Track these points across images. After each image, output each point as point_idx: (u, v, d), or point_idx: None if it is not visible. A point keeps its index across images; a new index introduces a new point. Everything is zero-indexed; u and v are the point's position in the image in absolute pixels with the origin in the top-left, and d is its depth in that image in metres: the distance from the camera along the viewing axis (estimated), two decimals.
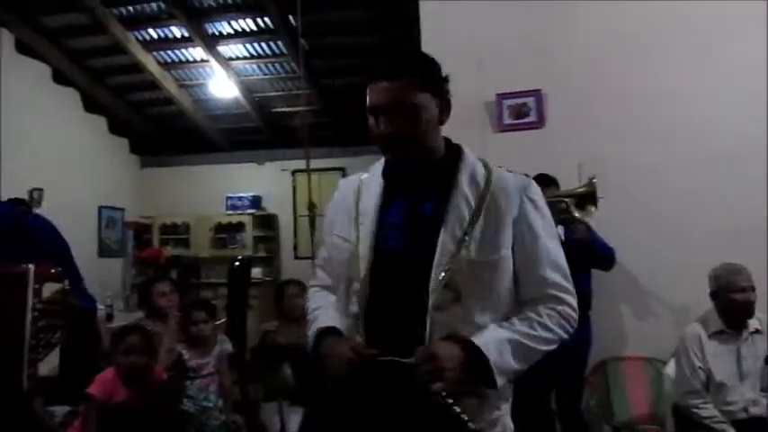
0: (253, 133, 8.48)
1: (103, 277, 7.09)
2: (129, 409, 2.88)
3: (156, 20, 6.60)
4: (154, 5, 6.38)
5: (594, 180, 3.23)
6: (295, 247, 8.48)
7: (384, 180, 1.59)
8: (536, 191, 1.55)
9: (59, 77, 7.12)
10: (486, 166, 1.59)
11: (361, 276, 1.50)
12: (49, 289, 1.65)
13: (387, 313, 1.49)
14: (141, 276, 7.62)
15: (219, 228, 8.41)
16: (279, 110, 8.00)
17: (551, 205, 1.72)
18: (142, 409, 2.90)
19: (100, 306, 4.60)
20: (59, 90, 7.15)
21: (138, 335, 3.01)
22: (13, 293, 1.61)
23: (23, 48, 6.57)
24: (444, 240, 1.47)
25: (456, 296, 1.45)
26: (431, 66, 1.57)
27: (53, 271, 1.68)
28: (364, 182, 1.64)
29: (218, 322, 3.74)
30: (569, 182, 3.45)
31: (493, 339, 1.43)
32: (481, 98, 4.06)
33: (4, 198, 5.30)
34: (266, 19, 6.43)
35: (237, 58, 7.14)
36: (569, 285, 1.53)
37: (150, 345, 3.03)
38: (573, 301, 1.52)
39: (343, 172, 7.56)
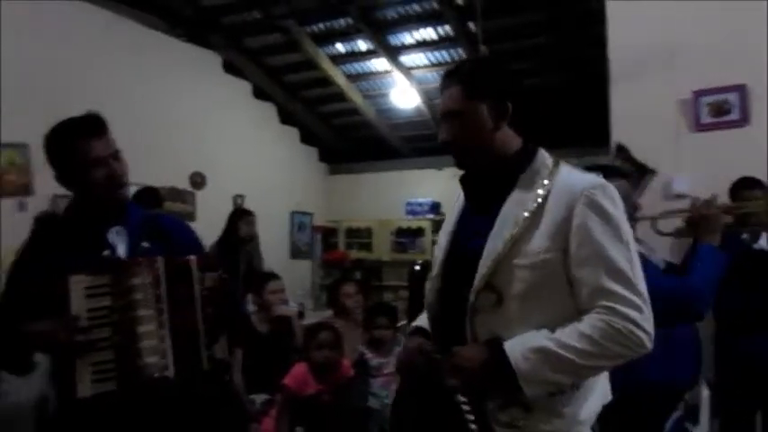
0: (432, 140, 8.58)
1: (295, 277, 7.57)
2: (318, 402, 3.06)
3: (345, 35, 6.96)
4: (342, 21, 6.74)
5: None
6: None
7: (462, 186, 1.63)
8: (602, 193, 1.43)
9: (259, 93, 7.76)
10: (555, 166, 1.51)
11: (433, 277, 1.60)
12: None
13: (445, 314, 1.55)
14: (328, 278, 8.06)
15: (400, 232, 8.62)
16: None
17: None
18: (331, 402, 3.06)
19: (292, 304, 4.96)
20: (259, 105, 7.80)
21: (329, 331, 3.19)
22: (183, 282, 1.78)
23: (228, 67, 7.26)
24: (491, 242, 1.45)
25: (498, 298, 1.41)
26: (475, 73, 1.55)
27: (209, 261, 1.85)
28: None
29: (398, 324, 3.86)
30: None
31: (523, 345, 1.36)
32: (674, 96, 3.79)
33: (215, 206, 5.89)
34: (446, 27, 6.52)
35: (418, 67, 7.31)
36: (635, 297, 1.37)
37: (339, 342, 3.20)
38: (635, 314, 1.35)
39: None
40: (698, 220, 2.32)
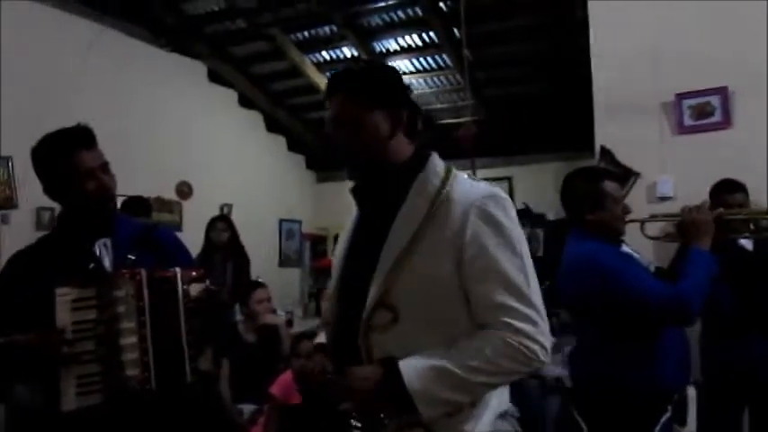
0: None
1: (284, 286, 7.55)
2: (303, 411, 3.05)
3: (329, 42, 6.96)
4: (327, 29, 6.75)
5: None
6: None
7: (355, 197, 1.61)
8: (495, 203, 1.38)
9: (245, 101, 7.75)
10: (447, 175, 1.44)
11: (329, 294, 1.57)
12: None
13: (341, 332, 1.50)
14: (317, 285, 8.03)
15: None
16: (444, 121, 8.09)
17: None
18: (315, 412, 3.05)
19: (281, 312, 4.95)
20: (245, 113, 7.78)
21: (311, 341, 3.18)
22: (166, 295, 1.78)
23: (213, 76, 7.24)
24: (384, 259, 1.38)
25: (394, 317, 1.36)
26: (364, 80, 1.48)
27: (195, 273, 1.84)
28: None
29: None
30: (760, 188, 3.15)
31: (419, 365, 1.31)
32: (658, 99, 3.83)
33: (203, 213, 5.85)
34: (431, 33, 6.55)
35: (404, 74, 7.32)
36: (529, 311, 1.33)
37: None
38: (530, 328, 1.31)
39: (509, 181, 7.46)
40: (689, 224, 2.34)
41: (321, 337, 1.67)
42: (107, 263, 1.82)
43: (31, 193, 1.91)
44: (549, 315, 1.40)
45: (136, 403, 1.71)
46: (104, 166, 1.84)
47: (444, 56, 6.84)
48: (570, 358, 2.61)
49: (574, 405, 2.43)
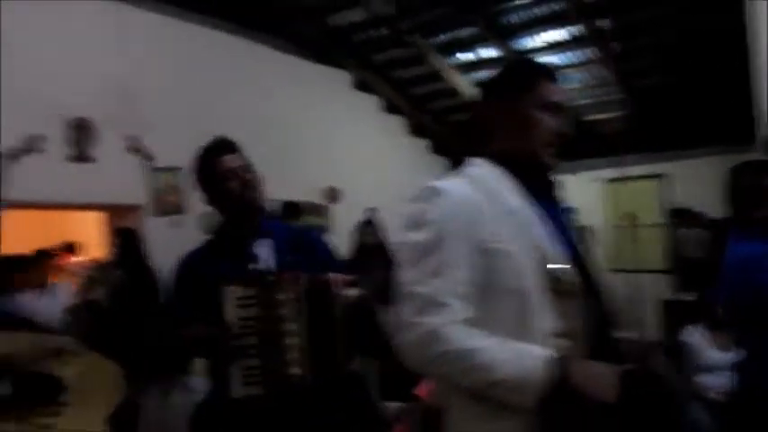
0: (568, 144, 8.36)
1: None
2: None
3: (470, 44, 6.96)
4: (468, 31, 6.75)
5: None
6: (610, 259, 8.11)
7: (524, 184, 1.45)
8: None
9: (388, 107, 7.94)
10: None
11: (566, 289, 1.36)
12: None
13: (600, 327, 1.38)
14: None
15: None
16: (591, 118, 7.80)
17: None
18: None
19: None
20: (388, 119, 7.98)
21: None
22: (324, 299, 1.88)
23: (357, 84, 7.50)
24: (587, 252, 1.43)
25: None
26: None
27: (349, 278, 1.94)
28: (493, 189, 1.43)
29: None
30: None
31: None
32: None
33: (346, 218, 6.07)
34: (575, 27, 6.35)
35: None
36: None
37: None
38: None
39: (660, 179, 7.05)
40: None
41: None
42: (267, 263, 1.96)
43: (198, 200, 2.11)
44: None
45: (295, 398, 1.83)
46: (246, 167, 2.02)
47: (589, 50, 6.60)
48: (738, 369, 2.40)
49: (734, 419, 2.25)
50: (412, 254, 1.37)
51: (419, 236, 1.36)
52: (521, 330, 1.31)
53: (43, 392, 1.56)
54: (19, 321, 1.92)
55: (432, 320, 1.28)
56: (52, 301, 4.41)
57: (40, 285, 4.42)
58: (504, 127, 1.50)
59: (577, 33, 6.42)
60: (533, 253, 1.34)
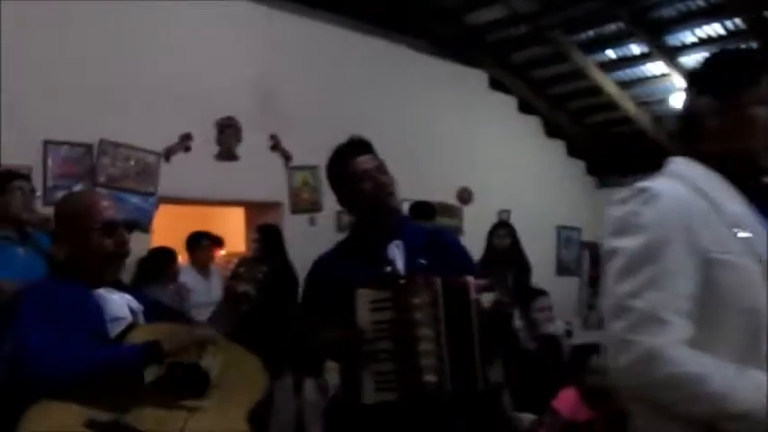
0: None
1: (561, 295, 7.33)
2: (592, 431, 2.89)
3: (616, 40, 6.61)
4: (614, 27, 6.41)
5: None
6: None
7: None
8: None
9: (524, 107, 7.71)
10: None
11: None
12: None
13: None
14: (596, 296, 7.65)
15: None
16: None
17: None
18: None
19: (559, 323, 4.79)
20: (524, 119, 7.75)
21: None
22: (460, 304, 1.80)
23: (493, 83, 7.34)
24: None
25: None
26: None
27: (485, 283, 1.85)
28: (711, 193, 1.27)
29: None
30: None
31: None
32: None
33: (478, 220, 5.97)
34: (735, 21, 5.84)
35: None
36: None
37: None
38: None
39: None
40: None
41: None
42: (400, 265, 1.92)
43: (333, 198, 2.11)
44: None
45: (430, 405, 1.77)
46: (380, 168, 1.97)
47: (752, 44, 6.04)
48: None
49: None
50: (624, 262, 1.21)
51: (632, 242, 1.21)
52: (749, 355, 1.16)
53: (189, 382, 1.60)
54: (166, 310, 2.00)
55: (651, 340, 1.13)
56: (211, 283, 4.70)
57: (203, 267, 4.74)
58: (721, 126, 1.31)
59: (733, 28, 5.91)
60: (762, 267, 1.19)
